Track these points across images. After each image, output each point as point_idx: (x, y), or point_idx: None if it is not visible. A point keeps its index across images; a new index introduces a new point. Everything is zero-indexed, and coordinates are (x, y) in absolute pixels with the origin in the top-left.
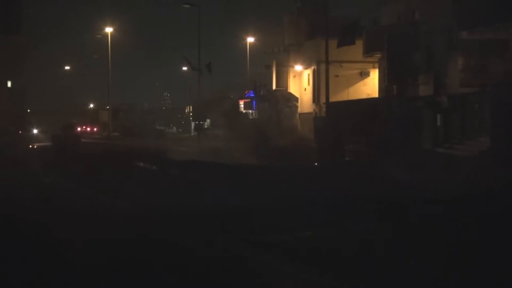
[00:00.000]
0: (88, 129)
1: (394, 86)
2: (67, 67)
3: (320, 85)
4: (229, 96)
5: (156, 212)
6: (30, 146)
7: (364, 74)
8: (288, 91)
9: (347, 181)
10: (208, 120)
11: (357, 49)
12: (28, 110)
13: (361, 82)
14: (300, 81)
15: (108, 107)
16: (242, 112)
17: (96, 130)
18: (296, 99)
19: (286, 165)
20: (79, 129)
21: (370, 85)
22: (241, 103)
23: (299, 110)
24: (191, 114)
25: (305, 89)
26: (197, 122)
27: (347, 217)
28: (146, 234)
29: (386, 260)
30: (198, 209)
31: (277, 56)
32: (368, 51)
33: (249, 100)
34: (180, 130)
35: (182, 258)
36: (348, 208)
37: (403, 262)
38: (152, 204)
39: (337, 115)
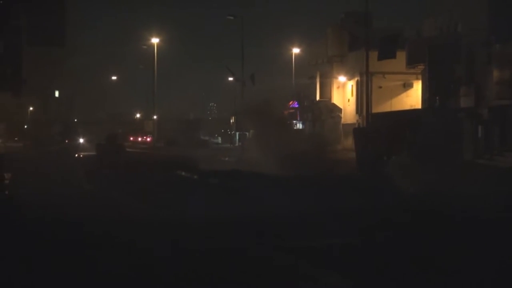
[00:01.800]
0: (140, 139)
1: (437, 98)
2: (113, 77)
3: (363, 96)
4: (273, 106)
5: (194, 220)
6: (76, 155)
7: (407, 86)
8: (332, 102)
9: (382, 192)
10: (251, 131)
11: (400, 61)
12: (75, 120)
13: (404, 94)
14: (344, 92)
15: (154, 117)
16: (286, 122)
17: (150, 140)
18: (339, 110)
19: (326, 175)
20: (132, 139)
21: (414, 97)
22: (285, 113)
23: (343, 121)
24: (235, 124)
25: (348, 100)
26: (240, 132)
27: (376, 226)
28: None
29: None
30: (238, 217)
31: (321, 67)
32: (411, 62)
33: (293, 110)
34: (224, 140)
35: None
36: (377, 218)
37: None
38: (194, 213)
39: (378, 126)
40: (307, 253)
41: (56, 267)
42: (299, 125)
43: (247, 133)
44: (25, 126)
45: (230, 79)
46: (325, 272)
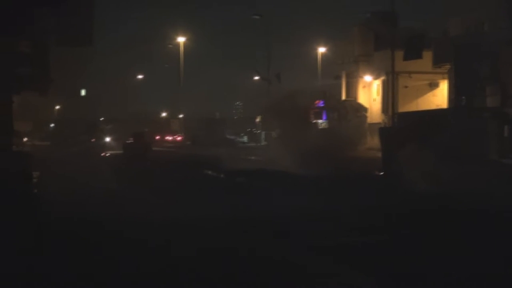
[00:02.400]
0: (170, 138)
1: (463, 97)
2: (139, 76)
3: (389, 96)
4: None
5: (217, 220)
6: (102, 154)
7: (434, 85)
8: (358, 101)
9: (401, 191)
10: (275, 130)
11: (426, 60)
12: (102, 119)
13: (431, 93)
14: (370, 92)
15: (180, 115)
16: (311, 122)
17: (181, 139)
18: (365, 109)
19: (350, 174)
20: (158, 137)
21: (440, 96)
22: (311, 113)
23: (369, 120)
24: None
25: (374, 99)
26: (265, 131)
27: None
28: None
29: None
30: (261, 216)
31: (347, 67)
32: (437, 62)
33: (318, 110)
34: (250, 139)
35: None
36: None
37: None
38: (219, 213)
39: (403, 126)
40: (325, 251)
41: (73, 265)
42: (325, 125)
43: (272, 133)
44: (52, 125)
45: (256, 78)
46: (346, 269)
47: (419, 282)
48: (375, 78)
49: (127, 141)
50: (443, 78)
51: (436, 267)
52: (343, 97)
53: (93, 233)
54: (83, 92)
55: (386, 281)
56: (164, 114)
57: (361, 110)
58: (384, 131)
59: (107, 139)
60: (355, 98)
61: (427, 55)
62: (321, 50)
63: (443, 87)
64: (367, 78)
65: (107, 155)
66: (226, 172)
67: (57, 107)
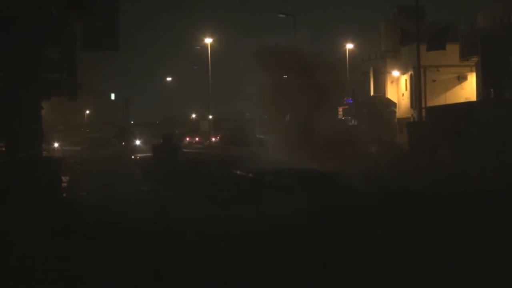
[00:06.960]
0: (197, 139)
1: (491, 90)
2: (168, 79)
3: (417, 90)
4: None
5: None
6: (133, 157)
7: (462, 78)
8: (386, 96)
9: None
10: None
11: (454, 54)
12: (132, 122)
13: (459, 86)
14: (398, 87)
15: (210, 117)
16: (340, 118)
17: (199, 140)
18: (394, 104)
19: (379, 170)
20: (188, 139)
21: (468, 89)
22: (340, 110)
23: (397, 115)
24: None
25: (402, 94)
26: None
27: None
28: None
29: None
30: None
31: (374, 63)
32: (465, 55)
33: (347, 106)
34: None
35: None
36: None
37: None
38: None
39: (431, 120)
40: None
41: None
42: (354, 121)
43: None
44: (82, 130)
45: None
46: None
47: None
48: (403, 73)
49: (156, 144)
50: (471, 71)
51: None
52: (371, 93)
53: (120, 233)
54: (112, 96)
55: None
56: (194, 116)
57: (390, 105)
58: (411, 126)
59: (137, 142)
60: (383, 93)
61: (455, 48)
62: (349, 46)
63: (472, 80)
64: (395, 73)
65: (137, 157)
66: (256, 173)
67: (88, 111)
